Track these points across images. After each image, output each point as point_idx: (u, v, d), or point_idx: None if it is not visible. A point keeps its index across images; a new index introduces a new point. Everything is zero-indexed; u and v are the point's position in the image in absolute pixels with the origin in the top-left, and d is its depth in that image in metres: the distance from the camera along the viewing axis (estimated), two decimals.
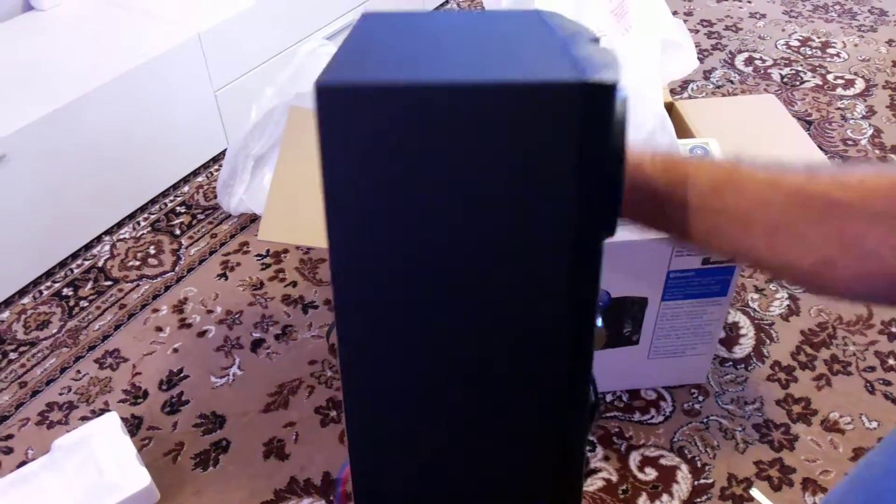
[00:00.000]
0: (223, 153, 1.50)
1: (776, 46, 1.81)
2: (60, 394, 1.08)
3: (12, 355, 1.14)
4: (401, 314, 0.36)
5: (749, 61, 1.76)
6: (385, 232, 0.34)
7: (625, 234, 0.86)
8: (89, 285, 1.25)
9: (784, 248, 0.43)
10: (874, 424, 0.97)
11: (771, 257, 0.44)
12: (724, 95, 1.64)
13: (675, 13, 1.70)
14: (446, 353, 0.37)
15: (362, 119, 0.32)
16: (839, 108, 1.57)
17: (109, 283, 1.26)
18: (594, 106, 0.32)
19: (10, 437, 1.02)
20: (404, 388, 0.38)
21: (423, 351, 0.37)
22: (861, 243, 0.39)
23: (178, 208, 1.41)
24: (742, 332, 1.10)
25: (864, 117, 1.55)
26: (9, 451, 1.00)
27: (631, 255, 0.85)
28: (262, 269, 1.26)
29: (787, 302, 1.14)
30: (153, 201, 1.42)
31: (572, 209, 0.34)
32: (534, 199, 0.34)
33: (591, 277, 0.36)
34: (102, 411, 1.04)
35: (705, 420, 0.98)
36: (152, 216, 1.39)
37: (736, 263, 0.48)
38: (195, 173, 1.49)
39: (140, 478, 0.89)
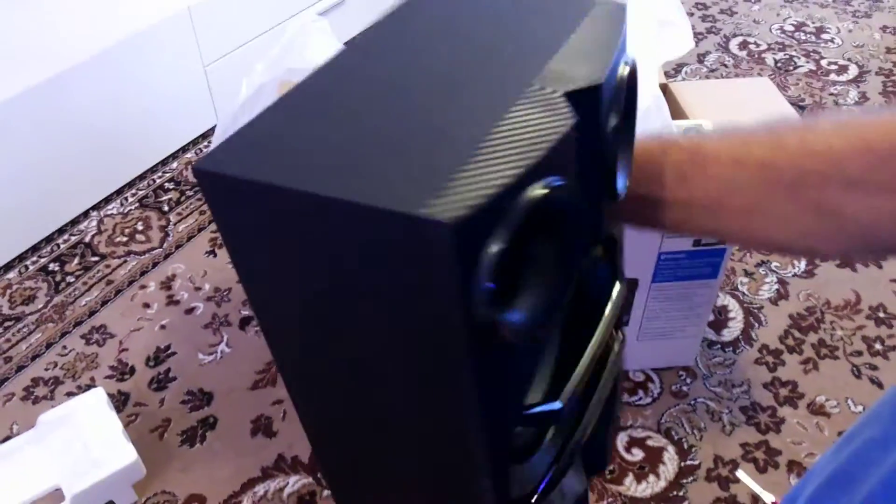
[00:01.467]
0: (213, 129, 1.49)
1: (771, 31, 1.81)
2: (46, 369, 1.07)
3: None
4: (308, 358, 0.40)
5: (743, 45, 1.75)
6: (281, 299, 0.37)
7: None
8: (76, 261, 1.24)
9: (760, 227, 0.41)
10: (860, 408, 0.97)
11: (748, 237, 0.43)
12: (718, 79, 1.64)
13: None
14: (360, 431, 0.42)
15: (237, 205, 0.32)
16: (832, 94, 1.57)
17: (96, 258, 1.25)
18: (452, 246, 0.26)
19: None
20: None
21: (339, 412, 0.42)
22: (839, 211, 0.37)
23: (166, 184, 1.39)
24: (731, 315, 1.10)
25: (856, 103, 1.55)
26: None
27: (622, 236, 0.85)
28: None
29: (776, 286, 1.14)
30: (141, 177, 1.41)
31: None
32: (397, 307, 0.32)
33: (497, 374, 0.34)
34: (88, 387, 1.03)
35: (693, 402, 0.98)
36: (140, 192, 1.38)
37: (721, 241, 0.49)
38: (184, 149, 1.47)
39: (126, 454, 0.88)
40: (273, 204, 0.30)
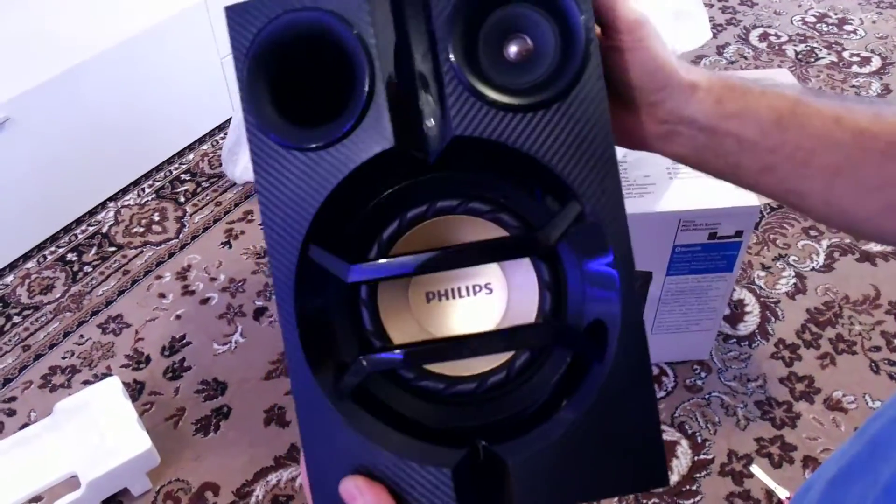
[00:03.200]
0: (229, 121, 1.50)
1: (792, 22, 1.78)
2: (63, 358, 1.08)
3: (16, 319, 1.14)
4: None
5: (764, 37, 1.73)
6: None
7: (630, 206, 0.85)
8: (93, 251, 1.25)
9: (842, 192, 0.40)
10: (877, 404, 0.96)
11: (825, 203, 0.41)
12: (737, 71, 1.62)
13: None
14: None
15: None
16: (854, 86, 1.55)
17: (113, 248, 1.26)
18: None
19: (13, 399, 1.03)
20: None
21: None
22: None
23: (182, 176, 1.40)
24: (747, 309, 1.09)
25: (879, 95, 1.52)
26: (12, 412, 1.01)
27: (636, 228, 0.84)
28: None
29: (793, 280, 1.13)
30: (158, 168, 1.42)
31: None
32: None
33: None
34: (105, 376, 1.04)
35: (707, 396, 0.98)
36: (157, 183, 1.39)
37: (785, 205, 0.45)
38: (200, 141, 1.48)
39: (140, 442, 0.89)
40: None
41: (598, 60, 0.38)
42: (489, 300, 0.42)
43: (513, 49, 0.40)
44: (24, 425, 0.98)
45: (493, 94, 0.38)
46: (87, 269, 1.22)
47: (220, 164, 1.41)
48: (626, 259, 0.39)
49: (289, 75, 0.41)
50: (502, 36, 0.40)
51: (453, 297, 0.43)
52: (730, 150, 0.41)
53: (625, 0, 0.39)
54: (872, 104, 0.40)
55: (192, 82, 1.42)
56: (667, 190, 0.85)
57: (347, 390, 0.40)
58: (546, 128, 0.38)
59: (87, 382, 1.04)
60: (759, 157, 0.41)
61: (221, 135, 1.49)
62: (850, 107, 0.40)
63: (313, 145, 0.40)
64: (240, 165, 1.34)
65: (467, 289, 0.43)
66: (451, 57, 0.38)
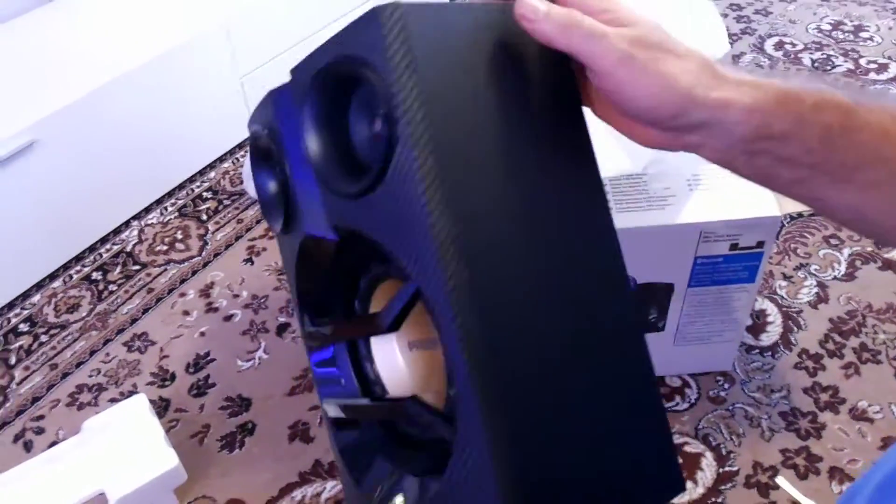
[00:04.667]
0: (248, 139, 1.51)
1: (807, 30, 1.78)
2: (90, 376, 1.09)
3: (43, 338, 1.16)
4: None
5: (779, 46, 1.73)
6: None
7: (651, 219, 0.85)
8: (118, 269, 1.27)
9: (877, 204, 0.39)
10: None
11: (855, 212, 0.40)
12: None
13: None
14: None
15: None
16: None
17: (137, 267, 1.27)
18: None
19: (41, 417, 1.04)
20: None
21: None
22: None
23: (204, 194, 1.42)
24: (769, 319, 1.09)
25: None
26: (41, 430, 1.03)
27: (657, 240, 0.85)
28: None
29: (815, 289, 1.12)
30: (180, 187, 1.44)
31: None
32: None
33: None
34: (131, 393, 1.05)
35: (731, 407, 0.97)
36: (179, 201, 1.41)
37: (806, 206, 0.43)
38: (221, 159, 1.50)
39: (168, 459, 0.90)
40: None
41: (415, 141, 0.35)
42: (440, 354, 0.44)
43: (374, 127, 0.39)
44: (53, 443, 0.99)
45: (334, 184, 0.42)
46: (112, 287, 1.24)
47: (241, 182, 1.42)
48: (452, 334, 0.35)
49: (273, 168, 0.50)
50: (369, 113, 0.40)
51: (427, 349, 0.48)
52: (764, 163, 0.40)
53: (604, 41, 0.38)
54: None
55: (213, 102, 1.44)
56: (687, 202, 0.85)
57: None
58: (374, 210, 0.38)
59: (113, 400, 1.05)
60: (795, 171, 0.40)
61: (242, 152, 1.51)
62: (895, 113, 0.39)
63: (278, 230, 0.50)
64: None
65: (432, 341, 0.46)
66: (302, 153, 0.44)
